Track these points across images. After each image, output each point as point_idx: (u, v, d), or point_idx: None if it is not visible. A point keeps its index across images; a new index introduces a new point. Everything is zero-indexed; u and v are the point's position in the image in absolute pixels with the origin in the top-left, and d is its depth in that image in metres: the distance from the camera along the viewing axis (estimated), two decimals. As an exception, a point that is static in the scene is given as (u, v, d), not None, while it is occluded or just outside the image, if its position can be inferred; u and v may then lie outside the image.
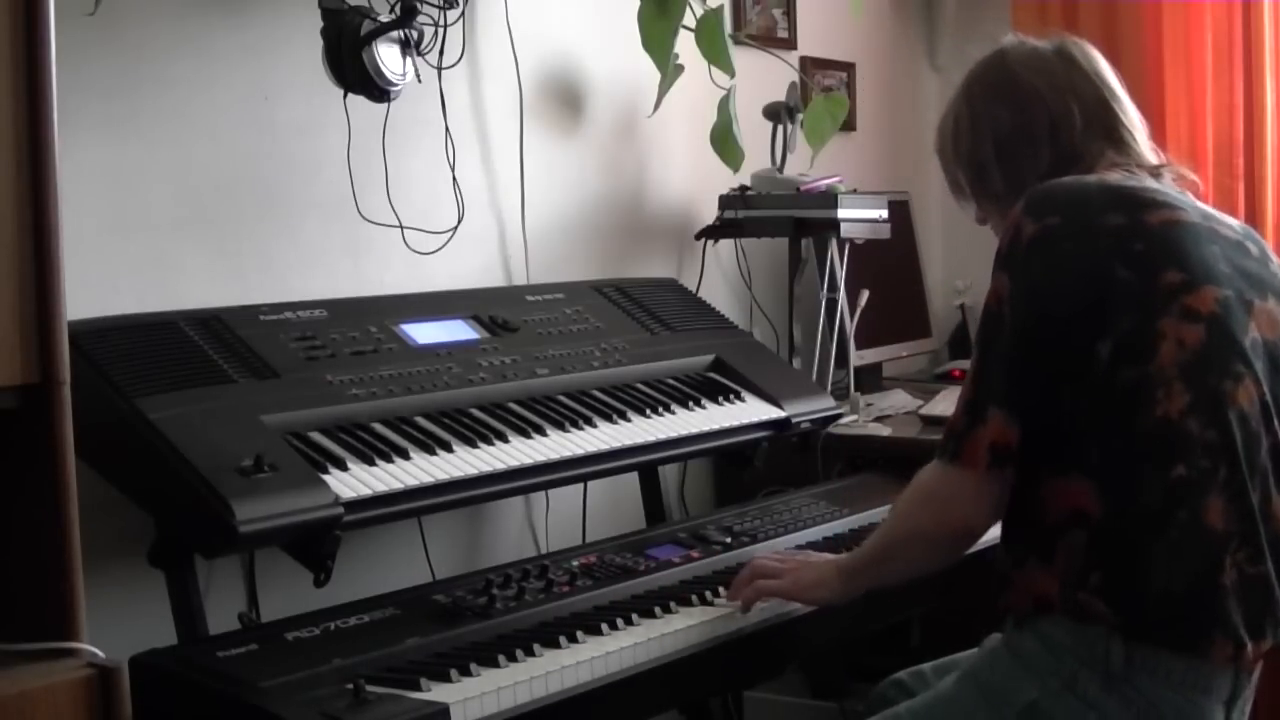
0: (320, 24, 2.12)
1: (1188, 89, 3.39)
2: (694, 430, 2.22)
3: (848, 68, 3.60)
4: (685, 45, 2.72)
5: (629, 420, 2.16)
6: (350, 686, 1.50)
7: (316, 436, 1.84)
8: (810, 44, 3.43)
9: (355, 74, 2.12)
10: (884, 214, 3.00)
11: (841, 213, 2.87)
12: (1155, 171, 1.86)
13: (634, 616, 1.81)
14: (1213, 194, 3.26)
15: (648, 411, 2.20)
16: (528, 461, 1.96)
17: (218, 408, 1.78)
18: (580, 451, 2.04)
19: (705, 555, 2.09)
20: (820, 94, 3.17)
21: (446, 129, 2.42)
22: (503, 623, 1.77)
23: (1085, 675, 1.67)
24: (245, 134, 2.19)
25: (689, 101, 2.86)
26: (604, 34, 2.81)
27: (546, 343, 2.25)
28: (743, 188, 2.95)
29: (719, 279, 3.10)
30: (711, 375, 2.42)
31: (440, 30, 2.27)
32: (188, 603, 1.80)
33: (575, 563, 2.01)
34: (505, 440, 1.97)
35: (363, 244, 2.34)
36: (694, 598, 1.90)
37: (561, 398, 2.16)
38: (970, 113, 1.92)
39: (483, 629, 1.75)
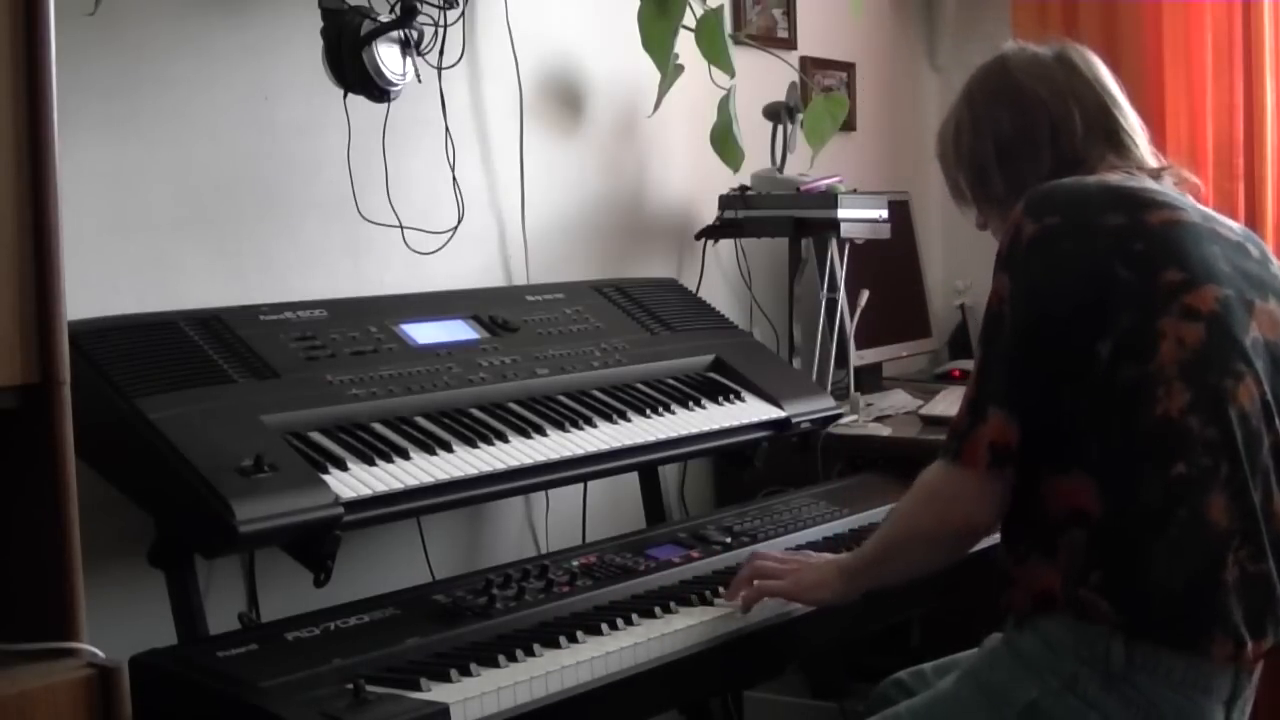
0: (320, 24, 2.12)
1: (1188, 89, 3.39)
2: (694, 430, 2.22)
3: (848, 68, 3.60)
4: (685, 45, 2.72)
5: (629, 420, 2.16)
6: (350, 686, 1.50)
7: (316, 436, 1.84)
8: (810, 44, 3.43)
9: (355, 74, 2.12)
10: (884, 214, 3.00)
11: (841, 213, 2.87)
12: (1156, 174, 1.86)
13: (634, 616, 1.81)
14: (1213, 195, 3.26)
15: (648, 411, 2.20)
16: (528, 461, 1.96)
17: (218, 408, 1.78)
18: (580, 451, 2.04)
19: (705, 555, 2.09)
20: (820, 94, 3.17)
21: (446, 129, 2.42)
22: (503, 623, 1.77)
23: (1086, 675, 1.67)
24: (245, 134, 2.19)
25: (689, 101, 2.86)
26: (604, 34, 2.81)
27: (546, 343, 2.25)
28: (743, 188, 2.95)
29: (719, 279, 3.10)
30: (711, 375, 2.42)
31: (440, 30, 2.27)
32: (188, 603, 1.80)
33: (575, 563, 2.01)
34: (505, 440, 1.97)
35: (363, 244, 2.34)
36: (694, 598, 1.90)
37: (561, 398, 2.16)
38: (972, 116, 1.93)
39: (483, 629, 1.74)
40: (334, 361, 1.96)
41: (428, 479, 1.83)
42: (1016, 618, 1.76)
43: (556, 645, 1.70)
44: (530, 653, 1.66)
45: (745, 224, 2.93)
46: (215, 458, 1.68)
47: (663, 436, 2.17)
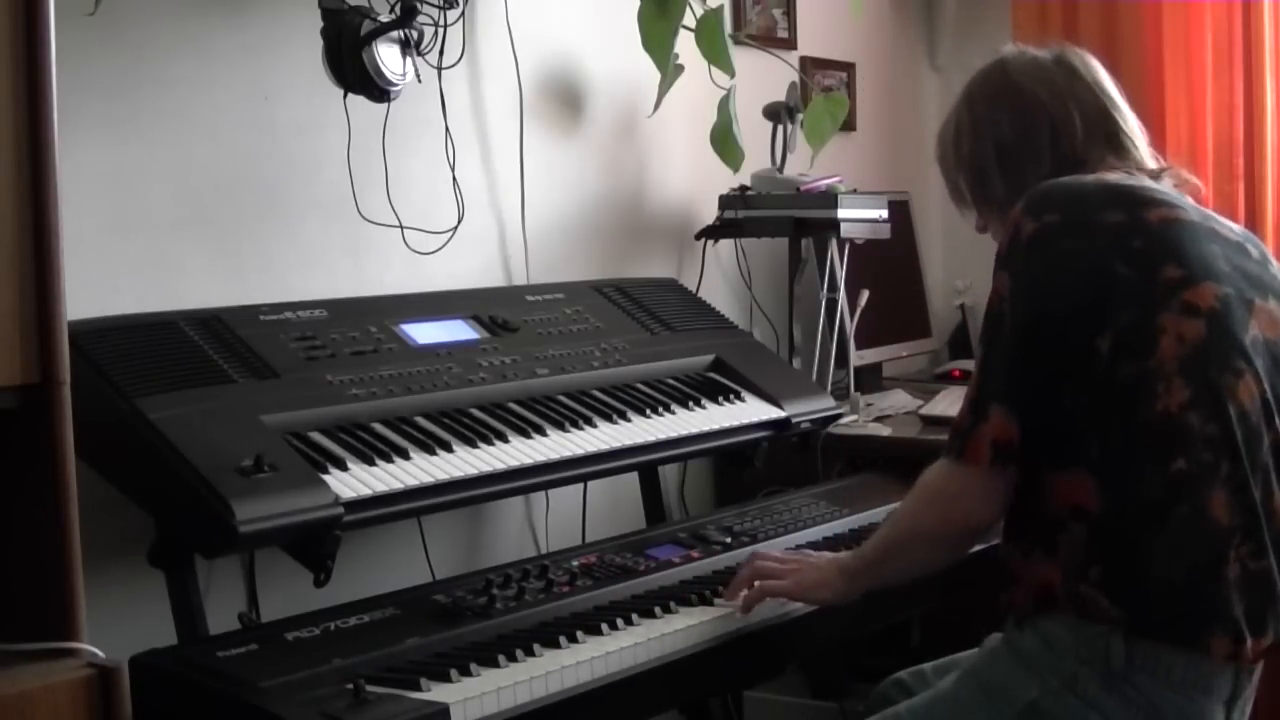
0: (320, 24, 2.12)
1: (1188, 89, 3.39)
2: (694, 430, 2.22)
3: (848, 68, 3.60)
4: (685, 45, 2.72)
5: (629, 420, 2.16)
6: (350, 686, 1.50)
7: (316, 436, 1.84)
8: (810, 44, 3.43)
9: (355, 74, 2.12)
10: (884, 214, 3.00)
11: (841, 213, 2.87)
12: (1155, 176, 1.87)
13: (634, 616, 1.81)
14: (1213, 195, 3.26)
15: (648, 411, 2.20)
16: (528, 461, 1.96)
17: (218, 408, 1.78)
18: (580, 451, 2.04)
19: (705, 555, 2.09)
20: (820, 94, 3.17)
21: (446, 129, 2.42)
22: (503, 623, 1.77)
23: (1086, 674, 1.67)
24: (245, 134, 2.19)
25: (689, 101, 2.86)
26: (604, 34, 2.81)
27: (546, 343, 2.25)
28: (743, 188, 2.95)
29: (719, 279, 3.10)
30: (711, 375, 2.42)
31: (440, 30, 2.27)
32: (188, 603, 1.80)
33: (575, 563, 2.01)
34: (505, 440, 1.97)
35: (363, 244, 2.34)
36: (694, 598, 1.90)
37: (561, 398, 2.16)
38: (972, 119, 1.93)
39: (483, 629, 1.74)
40: (334, 361, 1.96)
41: (428, 479, 1.83)
42: (1017, 617, 1.76)
43: (556, 645, 1.70)
44: (530, 653, 1.66)
45: (745, 224, 2.93)
46: (215, 458, 1.68)
47: (663, 436, 2.17)
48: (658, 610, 1.84)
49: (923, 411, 2.92)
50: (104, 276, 1.98)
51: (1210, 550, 1.64)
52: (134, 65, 2.04)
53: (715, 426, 2.26)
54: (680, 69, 2.74)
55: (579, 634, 1.73)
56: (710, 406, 2.30)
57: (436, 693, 1.53)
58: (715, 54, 2.76)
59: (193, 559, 1.82)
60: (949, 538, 1.81)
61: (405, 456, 1.85)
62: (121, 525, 1.80)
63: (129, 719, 1.30)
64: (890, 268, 3.35)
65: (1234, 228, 1.85)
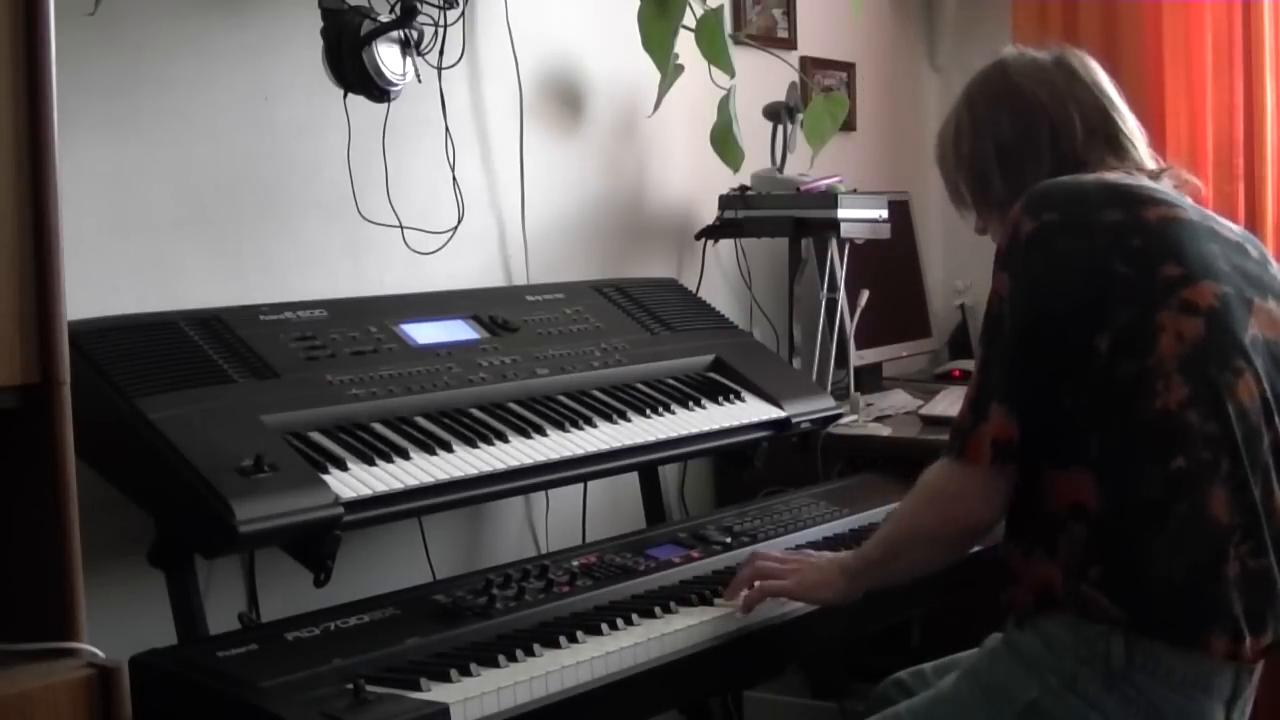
0: (320, 24, 2.12)
1: (1188, 89, 3.39)
2: (694, 430, 2.22)
3: (848, 68, 3.60)
4: (685, 45, 2.72)
5: (629, 420, 2.16)
6: (350, 686, 1.50)
7: (316, 436, 1.84)
8: (810, 44, 3.43)
9: (355, 74, 2.12)
10: (884, 214, 3.00)
11: (841, 213, 2.87)
12: (1155, 176, 1.87)
13: (634, 616, 1.81)
14: (1213, 195, 3.26)
15: (648, 411, 2.20)
16: (528, 461, 1.96)
17: (218, 408, 1.78)
18: (580, 451, 2.04)
19: (705, 555, 2.09)
20: (820, 94, 3.17)
21: (446, 129, 2.42)
22: (503, 623, 1.77)
23: (1086, 674, 1.67)
24: (245, 134, 2.19)
25: (689, 101, 2.86)
26: (604, 34, 2.81)
27: (546, 343, 2.25)
28: (743, 188, 2.95)
29: (719, 279, 3.10)
30: (711, 375, 2.42)
31: (440, 30, 2.27)
32: (188, 603, 1.80)
33: (575, 563, 2.01)
34: (505, 440, 1.97)
35: (363, 244, 2.34)
36: (694, 598, 1.90)
37: (561, 398, 2.16)
38: (972, 120, 1.93)
39: (483, 629, 1.74)
40: (334, 361, 1.96)
41: (428, 479, 1.83)
42: (1017, 617, 1.76)
43: (556, 645, 1.70)
44: (530, 653, 1.66)
45: (745, 224, 2.93)
46: (215, 458, 1.68)
47: (663, 436, 2.17)
48: (658, 610, 1.84)
49: (923, 411, 2.92)
50: (104, 276, 1.98)
51: (1210, 549, 1.65)
52: (134, 65, 2.04)
53: (715, 426, 2.26)
54: (680, 69, 2.74)
55: (579, 634, 1.73)
56: (710, 406, 2.30)
57: (436, 693, 1.53)
58: (715, 54, 2.76)
59: (193, 559, 1.82)
60: (950, 537, 1.81)
61: (405, 456, 1.85)
62: (121, 525, 1.80)
63: (129, 719, 1.30)
64: (890, 268, 3.35)
65: (1233, 228, 1.85)
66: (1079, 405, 1.68)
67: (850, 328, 3.03)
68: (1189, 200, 1.85)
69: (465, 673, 1.58)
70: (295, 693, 1.51)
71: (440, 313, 2.19)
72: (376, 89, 2.14)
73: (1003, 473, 1.71)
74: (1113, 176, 1.82)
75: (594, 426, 2.10)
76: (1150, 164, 1.89)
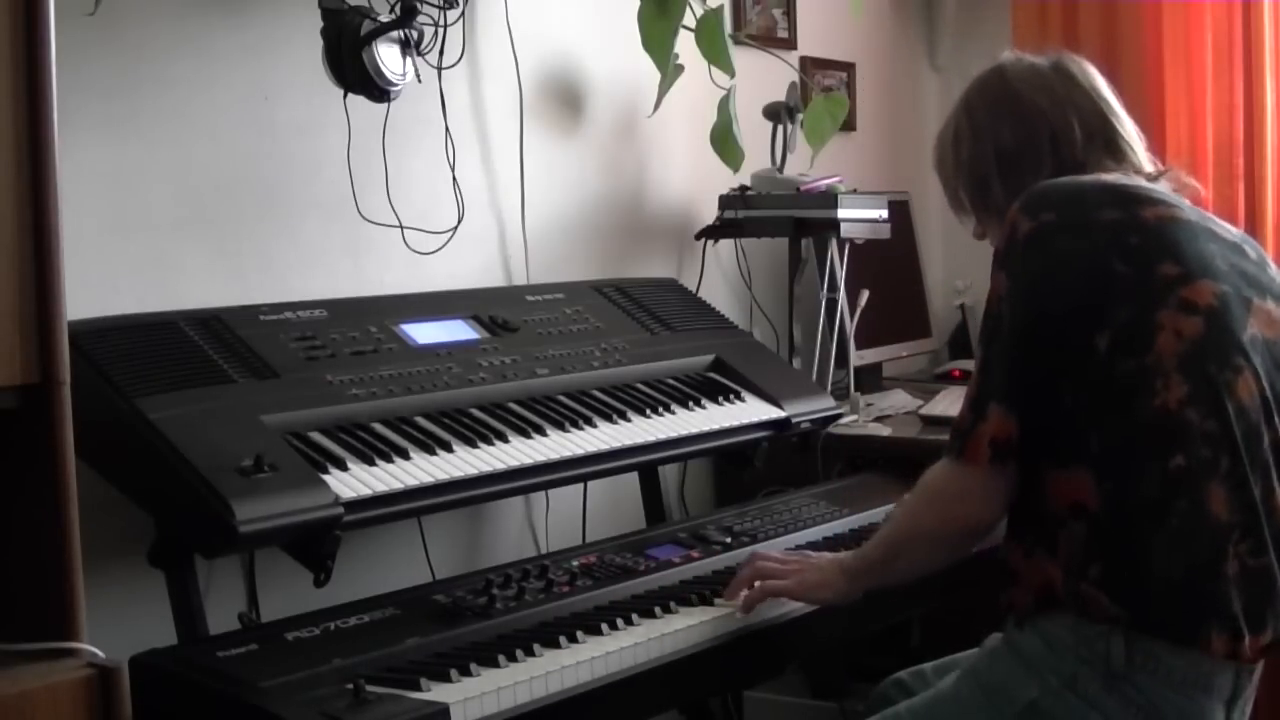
0: (320, 24, 2.12)
1: (1188, 89, 3.39)
2: (694, 430, 2.22)
3: (848, 68, 3.60)
4: (685, 45, 2.72)
5: (629, 420, 2.16)
6: (350, 686, 1.50)
7: (316, 436, 1.84)
8: (810, 44, 3.43)
9: (355, 74, 2.12)
10: (884, 214, 3.00)
11: (841, 213, 2.87)
12: (1153, 179, 1.87)
13: (634, 616, 1.81)
14: (1213, 195, 3.26)
15: (648, 411, 2.20)
16: (528, 461, 1.96)
17: (218, 408, 1.78)
18: (580, 451, 2.04)
19: (705, 555, 2.09)
20: (820, 94, 3.17)
21: (446, 129, 2.42)
22: (503, 623, 1.77)
23: (1086, 674, 1.67)
24: (245, 134, 2.19)
25: (689, 101, 2.86)
26: (604, 34, 2.81)
27: (546, 343, 2.25)
28: (743, 188, 2.95)
29: (719, 279, 3.10)
30: (711, 375, 2.42)
31: (440, 30, 2.27)
32: (188, 603, 1.80)
33: (575, 563, 2.01)
34: (505, 440, 1.97)
35: (363, 244, 2.34)
36: (694, 598, 1.90)
37: (561, 398, 2.16)
38: (971, 126, 1.93)
39: (483, 629, 1.74)
40: (334, 361, 1.96)
41: (428, 479, 1.83)
42: (1018, 616, 1.76)
43: (556, 645, 1.70)
44: (530, 653, 1.66)
45: (745, 224, 2.93)
46: (215, 458, 1.68)
47: (663, 436, 2.17)
48: (658, 610, 1.84)
49: (923, 411, 2.92)
50: (104, 276, 1.98)
51: (1209, 547, 1.65)
52: (134, 65, 2.04)
53: (715, 426, 2.26)
54: (680, 69, 2.74)
55: (579, 634, 1.73)
56: (710, 406, 2.30)
57: (436, 693, 1.53)
58: (715, 54, 2.76)
59: (193, 559, 1.82)
60: (950, 537, 1.81)
61: (405, 456, 1.85)
62: (121, 525, 1.80)
63: (129, 719, 1.30)
64: (890, 268, 3.35)
65: (1231, 229, 1.86)
66: (1079, 404, 1.68)
67: (850, 328, 3.03)
68: (1187, 201, 1.85)
69: (465, 673, 1.58)
70: (295, 693, 1.51)
71: (440, 313, 2.19)
72: (376, 89, 2.14)
73: (1002, 473, 1.71)
74: (1110, 177, 1.82)
75: (594, 426, 2.10)
76: (1149, 167, 1.90)
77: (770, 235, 2.99)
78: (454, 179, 2.44)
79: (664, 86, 2.72)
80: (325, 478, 1.74)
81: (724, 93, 2.83)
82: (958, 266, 3.80)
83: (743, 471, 2.49)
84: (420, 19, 2.17)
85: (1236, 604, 1.64)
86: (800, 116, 2.98)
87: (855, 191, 3.01)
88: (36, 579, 1.34)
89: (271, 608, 2.06)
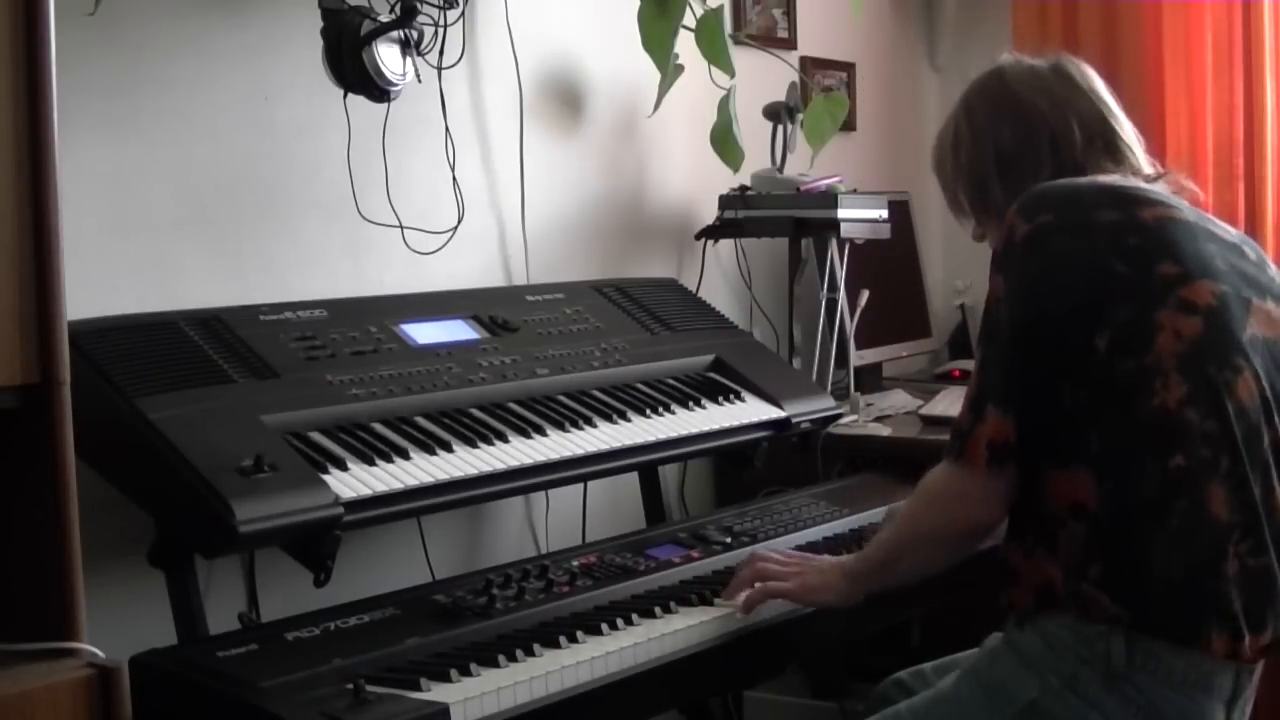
0: (320, 24, 2.12)
1: (1188, 89, 3.39)
2: (694, 430, 2.22)
3: (848, 68, 3.60)
4: (685, 45, 2.72)
5: (629, 420, 2.16)
6: (350, 686, 1.50)
7: (316, 436, 1.84)
8: (810, 44, 3.43)
9: (355, 74, 2.12)
10: (884, 214, 3.00)
11: (841, 213, 2.87)
12: (1152, 181, 1.87)
13: (634, 616, 1.81)
14: (1212, 196, 3.26)
15: (648, 411, 2.20)
16: (528, 461, 1.96)
17: (218, 408, 1.78)
18: (580, 451, 2.04)
19: (705, 555, 2.09)
20: (820, 94, 3.17)
21: (446, 129, 2.42)
22: (503, 623, 1.77)
23: (1086, 674, 1.67)
24: (245, 134, 2.19)
25: (689, 101, 2.86)
26: (604, 34, 2.81)
27: (546, 343, 2.25)
28: (743, 188, 2.95)
29: (719, 279, 3.10)
30: (711, 375, 2.42)
31: (440, 30, 2.27)
32: (188, 603, 1.80)
33: (575, 563, 2.01)
34: (505, 440, 1.97)
35: (363, 244, 2.34)
36: (694, 598, 1.90)
37: (561, 398, 2.16)
38: (971, 128, 1.93)
39: (483, 629, 1.74)
40: (334, 361, 1.96)
41: (428, 479, 1.83)
42: (1018, 616, 1.76)
43: (556, 645, 1.70)
44: (530, 653, 1.66)
45: (745, 224, 2.93)
46: (215, 458, 1.68)
47: (663, 436, 2.17)
48: (658, 610, 1.84)
49: (923, 411, 2.92)
50: (104, 276, 1.98)
51: (1209, 546, 1.65)
52: (134, 65, 2.04)
53: (715, 426, 2.26)
54: (680, 69, 2.74)
55: (579, 634, 1.73)
56: (710, 406, 2.30)
57: (436, 693, 1.53)
58: (715, 54, 2.76)
59: (193, 559, 1.82)
60: (951, 539, 1.81)
61: (405, 456, 1.85)
62: (121, 525, 1.80)
63: (129, 719, 1.30)
64: (890, 268, 3.35)
65: (1230, 230, 1.86)
66: (1078, 404, 1.68)
67: (850, 328, 3.03)
68: (1185, 202, 1.85)
69: (465, 673, 1.58)
70: (295, 693, 1.51)
71: (440, 313, 2.19)
72: (376, 89, 2.14)
73: (1001, 474, 1.71)
74: (1108, 179, 1.83)
75: (594, 426, 2.10)
76: (1148, 169, 1.90)
77: (770, 235, 2.99)
78: (454, 179, 2.44)
79: (664, 86, 2.72)
80: (325, 478, 1.74)
81: (724, 93, 2.83)
82: (958, 266, 3.80)
83: (743, 471, 2.49)
84: (420, 19, 2.17)
85: (1237, 604, 1.64)
86: (800, 116, 2.98)
87: (855, 191, 3.01)
88: (36, 579, 1.34)
89: (271, 608, 2.06)
